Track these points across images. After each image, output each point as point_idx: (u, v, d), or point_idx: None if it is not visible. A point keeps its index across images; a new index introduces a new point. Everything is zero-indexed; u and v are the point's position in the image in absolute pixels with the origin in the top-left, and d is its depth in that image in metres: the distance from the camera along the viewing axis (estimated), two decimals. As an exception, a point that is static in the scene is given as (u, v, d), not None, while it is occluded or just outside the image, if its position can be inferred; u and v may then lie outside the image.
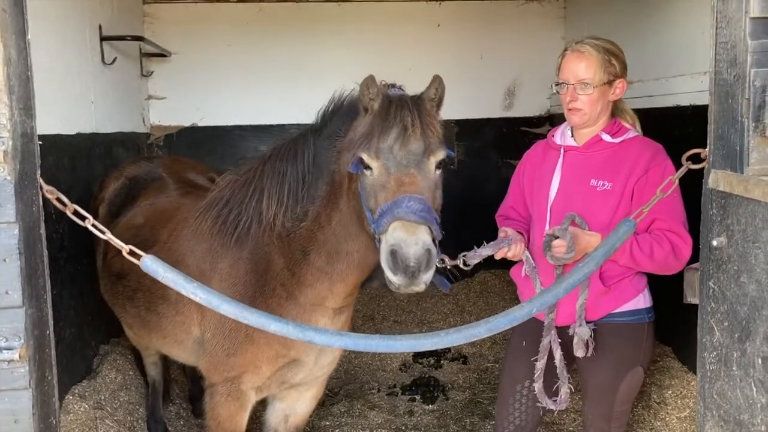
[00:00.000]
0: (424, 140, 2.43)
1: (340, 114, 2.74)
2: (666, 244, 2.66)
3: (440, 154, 2.48)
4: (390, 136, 2.41)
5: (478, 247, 2.72)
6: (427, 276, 2.23)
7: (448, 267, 2.59)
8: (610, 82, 2.78)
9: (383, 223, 2.28)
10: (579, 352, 2.78)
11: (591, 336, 2.77)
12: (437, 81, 2.63)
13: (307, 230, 2.79)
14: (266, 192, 2.80)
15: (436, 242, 2.31)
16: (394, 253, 2.22)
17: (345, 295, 2.91)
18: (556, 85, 2.88)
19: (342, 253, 2.76)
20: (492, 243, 2.77)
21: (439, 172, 2.49)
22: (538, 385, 2.91)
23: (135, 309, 3.47)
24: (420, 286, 2.23)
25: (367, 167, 2.43)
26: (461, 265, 2.66)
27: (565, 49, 2.87)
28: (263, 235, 2.88)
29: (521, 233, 2.98)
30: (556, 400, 2.93)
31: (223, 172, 3.24)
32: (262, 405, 3.50)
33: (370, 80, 2.51)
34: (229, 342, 2.93)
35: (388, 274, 2.25)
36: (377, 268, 2.45)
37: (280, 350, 2.91)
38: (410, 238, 2.21)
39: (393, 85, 2.67)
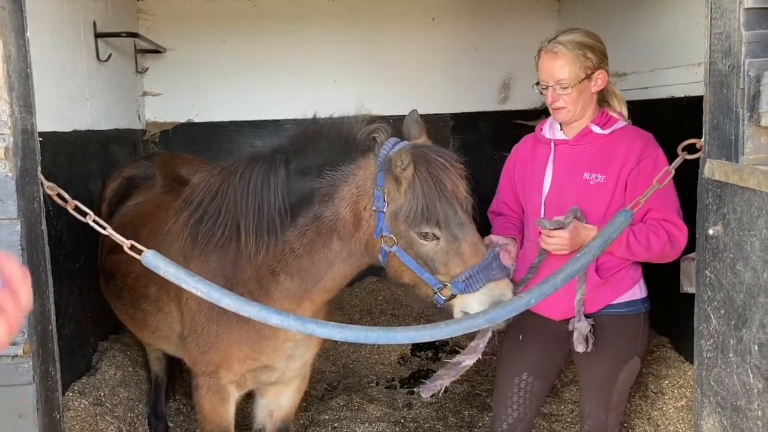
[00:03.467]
0: (467, 192, 2.55)
1: (320, 148, 2.63)
2: (662, 233, 2.67)
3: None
4: (448, 203, 2.46)
5: None
6: None
7: None
8: (588, 76, 2.77)
9: (476, 286, 2.45)
10: (579, 348, 2.78)
11: (591, 331, 2.78)
12: (415, 115, 2.71)
13: (277, 253, 2.72)
14: (243, 225, 2.68)
15: None
16: (494, 304, 2.46)
17: (313, 311, 2.92)
18: (537, 85, 2.88)
19: (317, 280, 2.75)
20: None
21: None
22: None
23: (123, 306, 3.56)
24: None
25: (430, 238, 2.47)
26: None
27: (540, 49, 2.85)
28: (232, 246, 2.82)
29: (514, 237, 3.00)
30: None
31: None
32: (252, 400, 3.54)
33: (404, 153, 2.42)
34: (202, 340, 2.97)
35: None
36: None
37: (249, 353, 2.95)
38: (508, 292, 2.49)
39: (384, 130, 2.61)
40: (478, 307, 2.45)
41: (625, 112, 2.92)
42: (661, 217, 2.69)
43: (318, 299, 2.87)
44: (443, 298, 2.50)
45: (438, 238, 2.46)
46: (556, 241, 2.66)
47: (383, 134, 2.58)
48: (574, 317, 2.79)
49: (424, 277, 2.51)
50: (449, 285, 2.47)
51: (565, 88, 2.75)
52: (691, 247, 2.41)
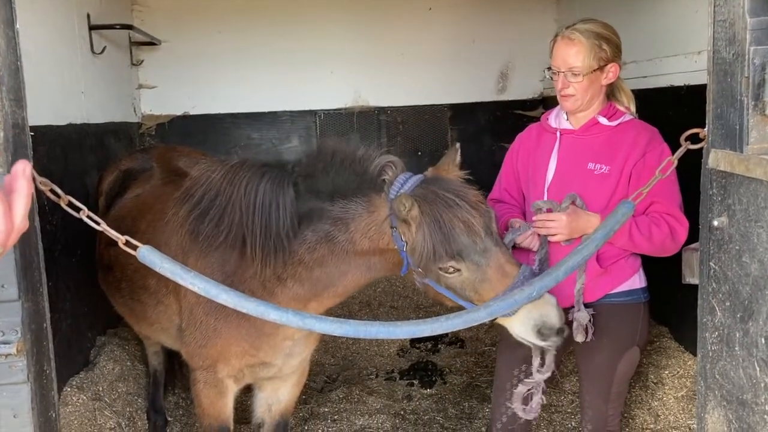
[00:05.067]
0: (483, 218, 2.44)
1: (332, 177, 2.60)
2: (664, 226, 2.67)
3: (492, 212, 2.51)
4: (460, 236, 2.39)
5: None
6: None
7: None
8: (601, 68, 2.76)
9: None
10: (578, 337, 2.78)
11: (590, 321, 2.77)
12: (455, 152, 2.66)
13: (285, 263, 2.69)
14: (249, 243, 2.64)
15: None
16: (540, 330, 2.40)
17: (318, 313, 2.88)
18: (548, 70, 2.86)
19: (328, 287, 2.73)
20: (510, 231, 2.78)
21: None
22: (517, 390, 2.90)
23: (123, 299, 3.56)
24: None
25: (453, 271, 2.42)
26: None
27: (557, 34, 2.84)
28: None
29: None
30: (525, 408, 2.91)
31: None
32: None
33: (405, 199, 2.37)
34: (199, 333, 2.95)
35: (540, 343, 2.45)
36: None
37: (248, 349, 2.93)
38: (549, 311, 2.39)
39: (393, 165, 2.57)
40: (525, 332, 2.44)
41: (632, 108, 2.91)
42: (663, 210, 2.70)
43: (327, 302, 2.84)
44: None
45: (459, 270, 2.43)
46: (552, 224, 2.64)
47: (392, 171, 2.54)
48: (574, 307, 2.77)
49: (461, 303, 2.49)
50: None
51: (576, 75, 2.74)
52: (693, 237, 2.38)
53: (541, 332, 2.40)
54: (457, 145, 2.71)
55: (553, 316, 2.39)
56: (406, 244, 2.46)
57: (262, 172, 2.66)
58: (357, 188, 2.57)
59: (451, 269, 2.42)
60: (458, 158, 2.65)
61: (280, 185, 2.61)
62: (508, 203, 3.11)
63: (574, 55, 2.74)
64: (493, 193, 3.20)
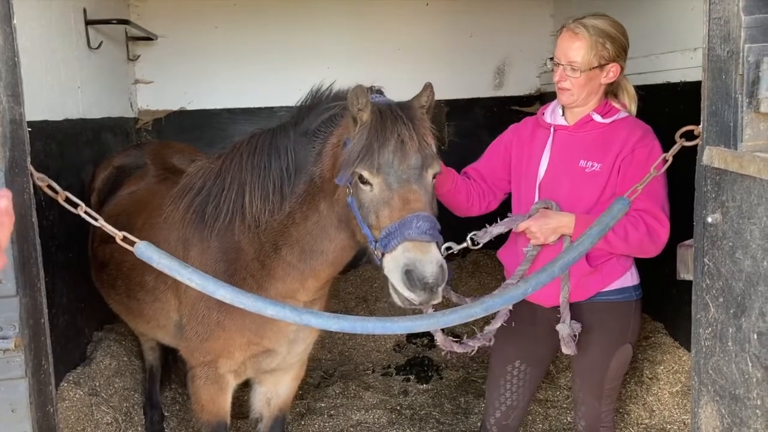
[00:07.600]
0: (421, 153, 2.39)
1: (318, 112, 2.68)
2: (641, 226, 2.64)
3: (436, 167, 2.45)
4: (389, 151, 2.35)
5: (474, 229, 2.75)
6: (442, 288, 2.27)
7: (456, 252, 2.61)
8: (601, 66, 2.74)
9: (392, 244, 2.27)
10: (564, 349, 2.80)
11: (573, 336, 2.77)
12: (428, 89, 2.58)
13: (280, 224, 2.75)
14: (248, 186, 2.72)
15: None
16: (409, 273, 2.22)
17: (316, 290, 2.93)
18: (550, 60, 2.85)
19: (316, 252, 2.74)
20: (504, 221, 2.78)
21: (434, 182, 2.48)
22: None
23: (118, 296, 3.55)
24: (438, 299, 2.26)
25: (366, 183, 2.38)
26: (470, 246, 2.67)
27: (563, 25, 2.82)
28: (235, 225, 2.85)
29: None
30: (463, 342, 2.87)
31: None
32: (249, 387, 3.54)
33: (359, 90, 2.39)
34: (202, 328, 2.96)
35: (405, 292, 2.25)
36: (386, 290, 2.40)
37: (252, 338, 2.94)
38: (425, 257, 2.22)
39: (372, 89, 2.60)
40: (393, 271, 2.26)
41: (633, 108, 2.88)
42: (642, 208, 2.65)
43: (323, 274, 2.83)
44: (379, 259, 2.36)
45: (371, 185, 2.37)
46: (533, 232, 2.72)
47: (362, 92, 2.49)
48: (560, 318, 2.78)
49: (364, 230, 2.42)
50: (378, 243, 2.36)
51: (574, 71, 2.72)
52: (687, 233, 2.40)
53: (409, 276, 2.22)
54: (429, 83, 2.63)
55: (427, 266, 2.21)
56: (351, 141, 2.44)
57: (263, 131, 2.78)
58: (339, 114, 2.61)
59: (366, 180, 2.37)
60: (427, 97, 2.59)
61: (278, 131, 2.73)
62: (473, 178, 3.11)
63: (575, 49, 2.72)
64: (467, 167, 3.20)
